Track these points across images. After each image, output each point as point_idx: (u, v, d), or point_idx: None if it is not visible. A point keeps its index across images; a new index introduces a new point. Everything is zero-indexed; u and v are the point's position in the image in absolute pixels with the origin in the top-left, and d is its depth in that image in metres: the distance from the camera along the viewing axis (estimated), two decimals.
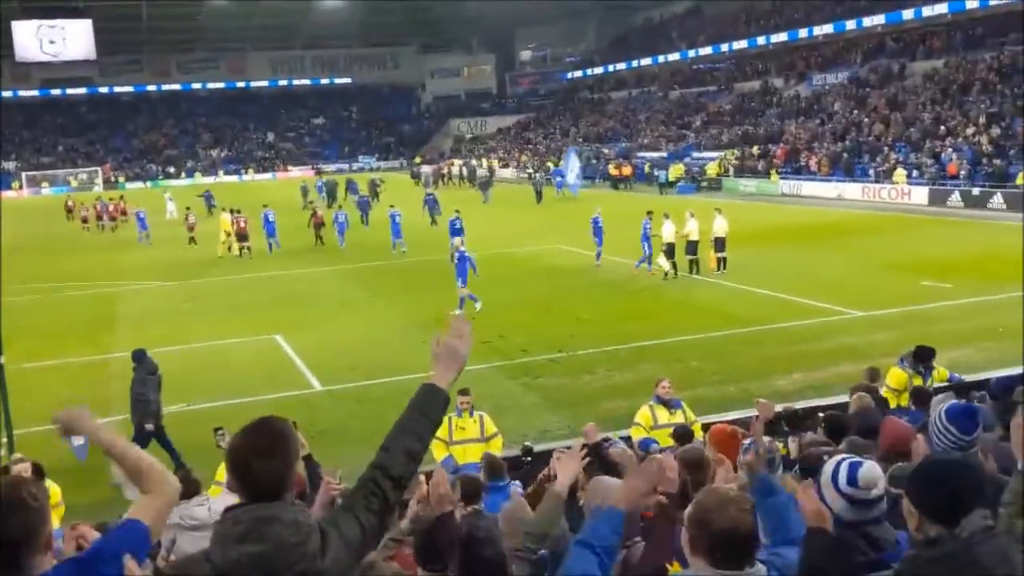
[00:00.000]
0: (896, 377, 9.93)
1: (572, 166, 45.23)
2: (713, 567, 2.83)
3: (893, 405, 9.35)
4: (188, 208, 39.38)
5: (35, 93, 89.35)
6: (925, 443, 5.09)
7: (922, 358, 9.94)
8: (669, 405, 9.56)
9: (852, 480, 3.50)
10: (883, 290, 20.77)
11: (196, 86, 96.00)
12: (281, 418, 2.81)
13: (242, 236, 31.93)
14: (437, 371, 3.11)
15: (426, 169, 70.09)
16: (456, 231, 27.22)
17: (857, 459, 3.65)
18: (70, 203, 52.00)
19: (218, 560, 2.57)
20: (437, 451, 9.76)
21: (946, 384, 9.95)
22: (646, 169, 55.60)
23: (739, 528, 2.84)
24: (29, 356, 16.67)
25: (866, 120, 48.75)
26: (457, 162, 74.41)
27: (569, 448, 3.96)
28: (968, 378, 10.77)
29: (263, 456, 2.65)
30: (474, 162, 72.90)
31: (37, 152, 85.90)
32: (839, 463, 3.60)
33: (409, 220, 33.82)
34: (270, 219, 32.78)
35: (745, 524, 2.86)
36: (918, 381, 9.78)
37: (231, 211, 33.40)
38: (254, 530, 2.56)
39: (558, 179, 52.23)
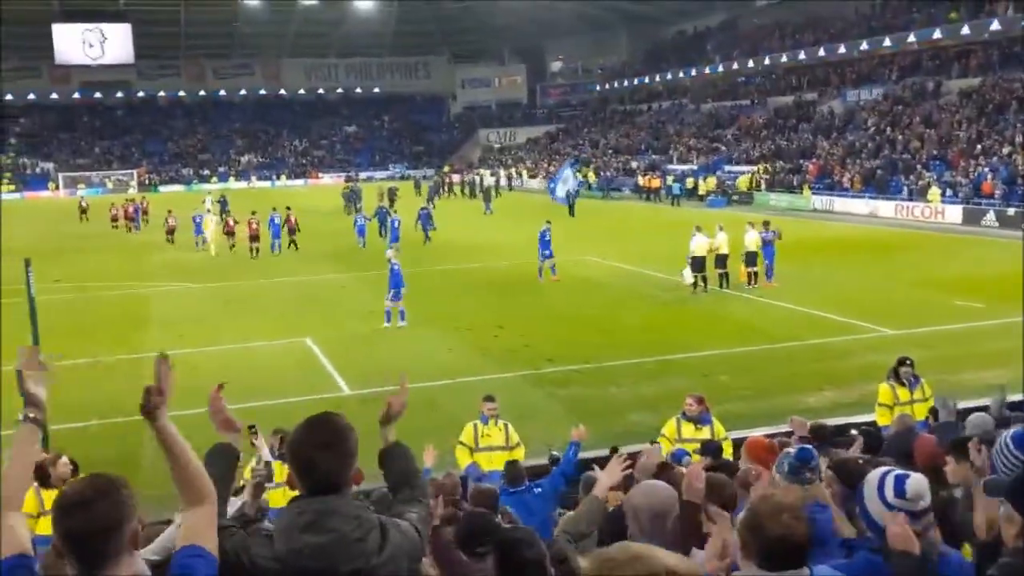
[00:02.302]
0: (883, 393, 9.96)
1: (565, 179, 45.78)
2: (762, 569, 2.85)
3: (886, 422, 9.31)
4: (169, 211, 40.08)
5: (74, 95, 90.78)
6: (958, 464, 5.01)
7: (898, 369, 9.97)
8: (696, 421, 9.55)
9: (900, 492, 3.46)
10: (915, 308, 20.57)
11: (231, 92, 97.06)
12: (339, 413, 2.90)
13: (253, 237, 33.92)
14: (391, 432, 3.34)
15: (428, 181, 67.77)
16: (545, 243, 26.29)
17: (903, 471, 3.62)
18: (84, 204, 53.12)
19: (281, 547, 2.65)
20: (462, 457, 9.77)
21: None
22: (668, 181, 55.57)
23: (791, 535, 2.86)
24: (63, 354, 16.87)
25: (900, 137, 48.35)
26: (484, 171, 74.64)
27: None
28: (988, 400, 10.63)
29: (326, 449, 2.74)
30: (484, 173, 73.04)
31: (74, 154, 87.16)
32: (884, 475, 3.57)
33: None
34: (275, 222, 34.97)
35: (798, 532, 2.89)
36: (904, 394, 9.79)
37: (223, 213, 37.01)
38: (317, 522, 2.64)
39: (550, 186, 52.54)
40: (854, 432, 8.14)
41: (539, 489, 7.81)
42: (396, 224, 33.24)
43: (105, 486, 2.44)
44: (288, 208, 36.11)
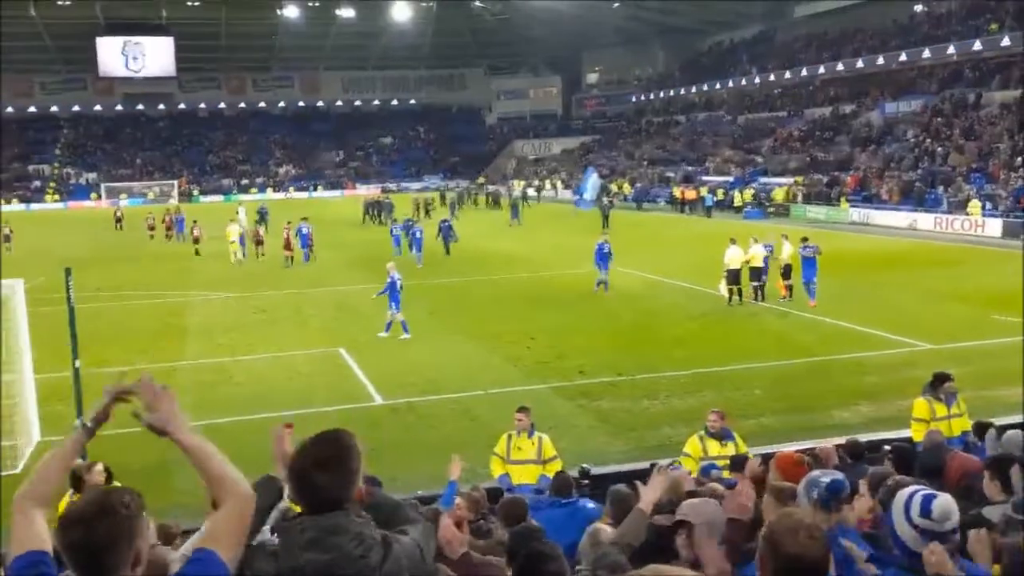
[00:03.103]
0: (918, 407, 9.80)
1: (591, 185, 46.16)
2: None
3: (919, 438, 9.15)
4: (195, 221, 41.15)
5: (117, 107, 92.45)
6: (991, 481, 4.96)
7: (938, 384, 9.78)
8: (720, 437, 9.43)
9: (926, 512, 3.42)
10: (953, 323, 20.31)
11: (270, 104, 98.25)
12: (345, 430, 2.88)
13: (287, 246, 34.82)
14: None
15: (451, 194, 67.19)
16: (603, 256, 25.62)
17: (930, 491, 3.59)
18: (119, 213, 54.50)
19: (283, 564, 2.66)
20: (495, 467, 9.72)
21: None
22: (702, 192, 55.49)
23: (807, 555, 2.83)
24: (101, 362, 17.16)
25: (940, 149, 47.75)
26: (520, 183, 74.70)
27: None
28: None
29: (324, 467, 2.73)
30: (510, 186, 73.02)
31: (117, 164, 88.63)
32: (912, 494, 3.53)
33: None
34: (303, 231, 35.55)
35: (814, 551, 2.85)
36: (941, 409, 9.64)
37: (262, 223, 38.24)
38: (320, 539, 2.64)
39: (576, 197, 52.87)
40: (887, 448, 8.04)
41: (592, 505, 7.61)
42: (419, 234, 33.86)
43: (108, 505, 2.46)
44: (305, 219, 36.61)
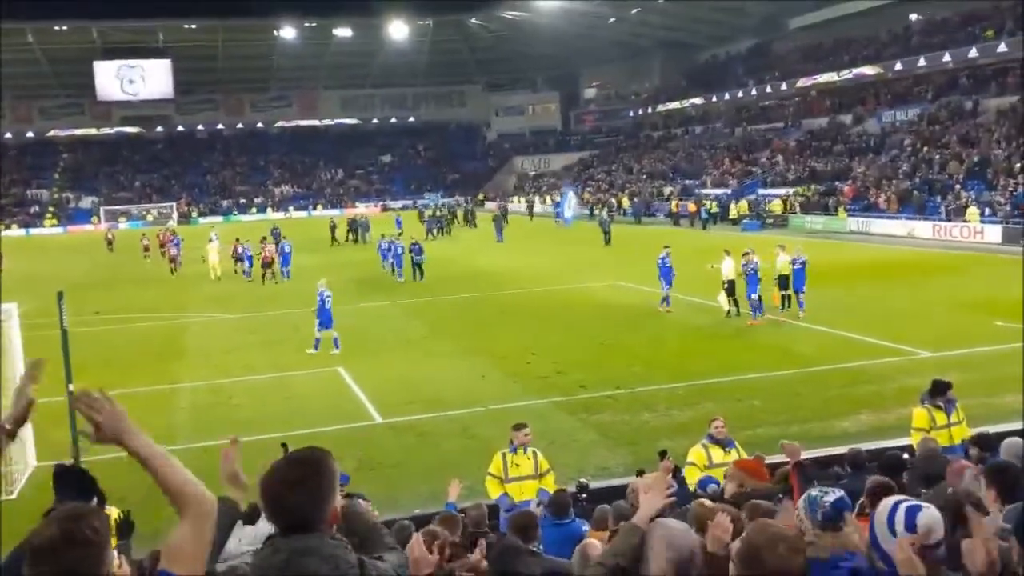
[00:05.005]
0: (918, 417, 9.69)
1: (569, 202, 46.94)
2: None
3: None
4: (170, 239, 41.84)
5: (115, 131, 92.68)
6: (987, 490, 4.89)
7: (937, 393, 9.67)
8: (723, 444, 9.33)
9: (911, 526, 3.35)
10: (954, 330, 20.21)
11: (268, 124, 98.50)
12: (320, 449, 2.81)
13: (265, 263, 35.65)
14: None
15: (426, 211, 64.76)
16: (667, 270, 24.76)
17: (915, 502, 3.50)
18: (110, 236, 54.80)
19: None
20: (492, 488, 9.57)
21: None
22: (701, 204, 55.56)
23: (789, 569, 2.72)
24: (97, 386, 17.05)
25: (937, 157, 47.77)
26: (522, 199, 74.61)
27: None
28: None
29: (295, 488, 2.65)
30: (519, 200, 72.97)
31: (116, 188, 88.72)
32: (895, 506, 3.45)
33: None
34: (286, 250, 36.60)
35: (795, 565, 2.74)
36: (941, 418, 9.54)
37: (277, 243, 38.14)
38: (292, 560, 2.57)
39: (556, 210, 54.72)
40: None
41: (588, 527, 7.50)
42: (399, 251, 34.44)
43: (78, 533, 2.40)
44: (284, 238, 37.03)
